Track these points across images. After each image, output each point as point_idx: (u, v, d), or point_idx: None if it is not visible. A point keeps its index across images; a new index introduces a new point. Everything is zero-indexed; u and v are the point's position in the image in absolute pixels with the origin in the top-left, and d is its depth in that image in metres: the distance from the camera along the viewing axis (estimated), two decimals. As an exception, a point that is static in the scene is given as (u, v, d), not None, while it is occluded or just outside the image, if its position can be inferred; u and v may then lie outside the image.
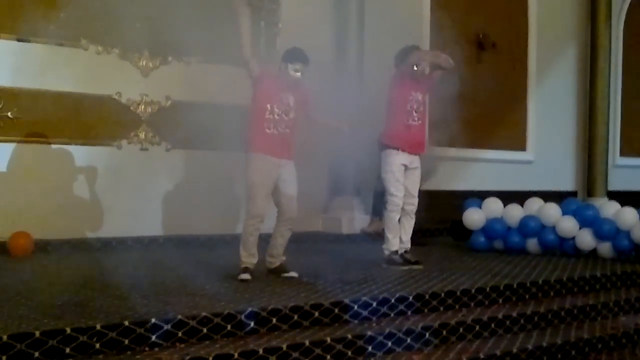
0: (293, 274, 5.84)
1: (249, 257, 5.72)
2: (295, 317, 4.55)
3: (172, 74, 8.05)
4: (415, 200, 6.58)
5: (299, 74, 5.76)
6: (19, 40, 7.30)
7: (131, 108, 7.89)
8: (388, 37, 8.74)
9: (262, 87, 5.74)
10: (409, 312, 5.04)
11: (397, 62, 6.62)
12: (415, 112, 6.50)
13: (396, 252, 6.50)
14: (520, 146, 11.43)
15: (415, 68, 6.46)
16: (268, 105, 5.70)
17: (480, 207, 8.07)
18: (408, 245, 6.65)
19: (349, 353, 4.35)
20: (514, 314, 5.23)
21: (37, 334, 3.71)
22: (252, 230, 5.69)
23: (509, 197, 8.33)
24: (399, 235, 6.58)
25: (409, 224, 6.63)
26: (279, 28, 8.78)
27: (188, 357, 3.82)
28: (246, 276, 5.60)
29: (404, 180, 6.48)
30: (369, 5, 9.21)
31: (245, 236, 5.71)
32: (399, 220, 6.54)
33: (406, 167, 6.50)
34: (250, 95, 5.85)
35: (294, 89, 5.82)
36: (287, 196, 5.80)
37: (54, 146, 7.48)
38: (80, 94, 7.51)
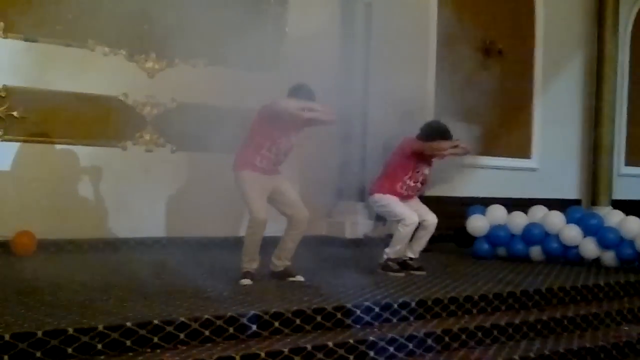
0: (299, 277, 5.84)
1: (250, 262, 5.72)
2: (298, 321, 4.55)
3: (178, 76, 8.07)
4: (432, 216, 6.57)
5: (306, 115, 5.62)
6: (26, 40, 7.32)
7: (137, 109, 7.91)
8: (395, 43, 8.76)
9: (269, 126, 5.66)
10: (412, 318, 5.03)
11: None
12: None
13: (395, 259, 6.49)
14: (525, 154, 11.42)
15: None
16: (268, 143, 5.69)
17: (484, 214, 8.06)
18: (417, 255, 6.66)
19: (351, 358, 4.34)
20: (517, 322, 5.22)
21: (39, 333, 3.71)
22: (255, 237, 5.67)
23: (513, 204, 8.34)
24: (413, 246, 6.60)
25: (426, 238, 6.64)
26: (286, 32, 8.77)
27: (190, 360, 3.82)
28: (247, 281, 5.59)
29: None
30: (376, 10, 9.20)
31: (248, 242, 5.70)
32: (416, 232, 6.53)
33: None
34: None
35: (296, 130, 5.77)
36: (290, 202, 5.80)
37: (58, 146, 7.50)
38: (86, 94, 7.52)
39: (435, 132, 6.56)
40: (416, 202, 6.65)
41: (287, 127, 5.69)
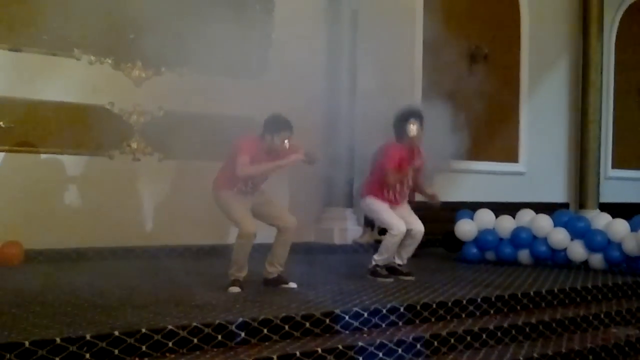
0: (292, 284, 5.84)
1: (239, 271, 5.71)
2: (286, 327, 4.54)
3: (165, 85, 8.04)
4: (420, 225, 6.56)
5: (287, 143, 5.65)
6: (11, 49, 7.30)
7: (123, 118, 7.89)
8: (381, 49, 8.78)
9: (250, 153, 5.64)
10: (400, 323, 5.04)
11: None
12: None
13: (383, 266, 6.49)
14: (512, 158, 11.45)
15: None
16: (241, 182, 5.72)
17: (472, 219, 8.09)
18: (405, 262, 6.67)
19: (340, 364, 4.35)
20: (506, 325, 5.23)
21: (27, 343, 3.69)
22: (245, 248, 5.67)
23: (501, 208, 8.36)
24: (401, 253, 6.61)
25: (413, 246, 6.65)
26: (272, 39, 8.78)
27: (178, 367, 3.81)
28: (235, 289, 5.59)
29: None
30: (362, 16, 9.22)
31: (237, 252, 5.69)
32: (404, 240, 6.54)
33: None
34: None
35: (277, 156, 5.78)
36: (275, 214, 5.85)
37: (45, 156, 7.48)
38: (73, 103, 7.50)
39: (402, 116, 6.53)
40: (405, 210, 6.65)
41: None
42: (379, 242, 8.75)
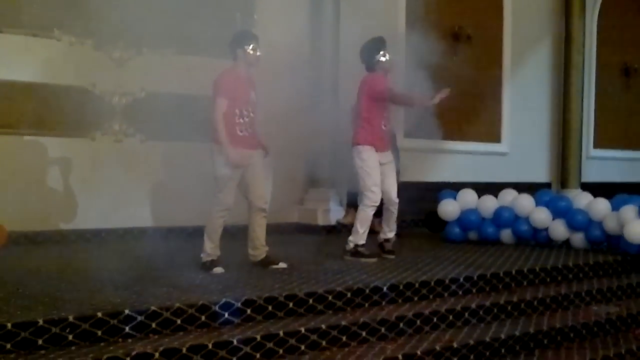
0: (282, 264, 5.85)
1: (215, 249, 5.72)
2: (270, 307, 4.57)
3: (147, 65, 7.99)
4: (394, 194, 6.56)
5: (258, 52, 5.73)
6: (-10, 30, 7.23)
7: (105, 99, 7.84)
8: (364, 28, 8.72)
9: (229, 94, 5.67)
10: (383, 303, 5.08)
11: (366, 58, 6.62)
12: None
13: (363, 245, 6.48)
14: (495, 138, 11.49)
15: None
16: (237, 110, 5.69)
17: (455, 199, 8.11)
18: (394, 230, 6.71)
19: (323, 343, 4.37)
20: (487, 304, 5.28)
21: (9, 325, 3.70)
22: (221, 222, 5.69)
23: (483, 188, 8.39)
24: (384, 228, 6.64)
25: (393, 218, 6.65)
26: (255, 19, 8.73)
27: (162, 348, 3.81)
28: (219, 270, 5.60)
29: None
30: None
31: (212, 228, 5.70)
32: (382, 212, 6.54)
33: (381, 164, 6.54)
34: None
35: (251, 82, 5.79)
36: (255, 185, 5.79)
37: (26, 137, 7.42)
38: (54, 85, 7.44)
39: (373, 48, 6.54)
40: (389, 170, 6.57)
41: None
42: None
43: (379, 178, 6.43)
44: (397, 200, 6.58)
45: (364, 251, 6.45)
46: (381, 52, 6.53)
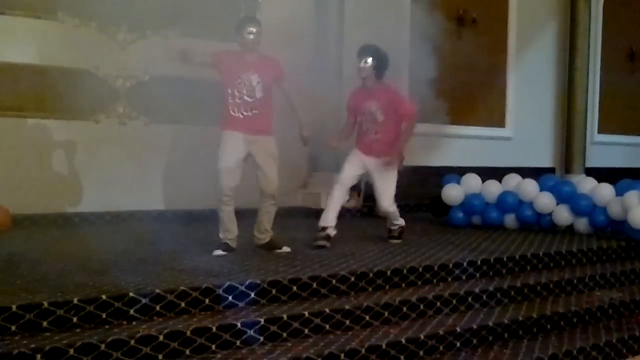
0: (286, 249, 5.87)
1: (224, 233, 5.73)
2: (274, 291, 4.57)
3: (151, 48, 7.96)
4: (384, 201, 6.42)
5: (252, 35, 5.70)
6: (-7, 12, 7.21)
7: (109, 82, 7.82)
8: (369, 8, 8.70)
9: (222, 72, 5.73)
10: (387, 287, 5.08)
11: None
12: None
13: (324, 227, 6.29)
14: (499, 123, 11.46)
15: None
16: (229, 90, 5.69)
17: (459, 183, 8.10)
18: (393, 225, 6.68)
19: (327, 327, 4.38)
20: (491, 288, 5.29)
21: (14, 307, 3.70)
22: (221, 206, 5.69)
23: (487, 173, 8.38)
24: (387, 223, 6.68)
25: (389, 220, 6.66)
26: (259, 2, 8.69)
27: (166, 331, 3.82)
28: (219, 252, 5.62)
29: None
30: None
31: (218, 212, 5.72)
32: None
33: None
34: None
35: (258, 66, 5.74)
36: (263, 173, 5.79)
37: (30, 120, 7.42)
38: (58, 67, 7.42)
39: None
40: (382, 178, 6.40)
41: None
42: (365, 207, 8.81)
43: (347, 169, 6.39)
44: (385, 205, 6.41)
45: (319, 234, 6.27)
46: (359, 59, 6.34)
